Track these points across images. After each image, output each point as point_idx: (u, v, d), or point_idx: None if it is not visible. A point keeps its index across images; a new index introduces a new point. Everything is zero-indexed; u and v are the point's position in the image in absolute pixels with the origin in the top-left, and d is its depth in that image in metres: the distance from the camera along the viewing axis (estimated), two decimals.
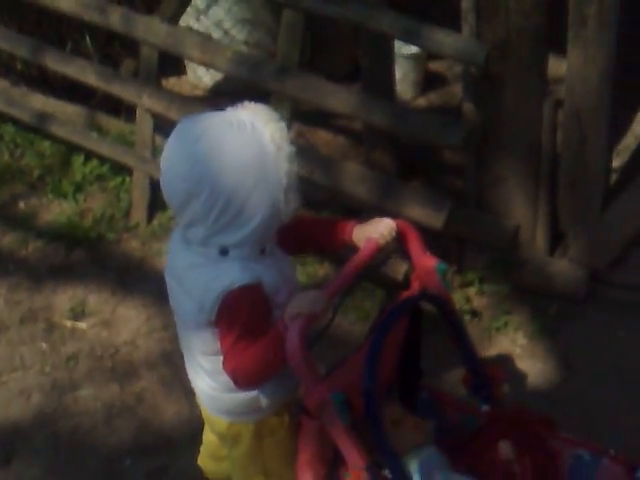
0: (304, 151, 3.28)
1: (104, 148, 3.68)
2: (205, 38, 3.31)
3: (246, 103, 1.80)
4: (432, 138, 2.86)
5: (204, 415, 2.12)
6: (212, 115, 1.78)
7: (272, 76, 3.09)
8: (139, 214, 3.55)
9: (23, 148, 4.06)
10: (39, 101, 4.03)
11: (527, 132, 2.92)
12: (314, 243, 2.10)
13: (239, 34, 3.96)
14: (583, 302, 3.05)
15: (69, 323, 3.13)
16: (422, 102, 4.29)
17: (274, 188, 1.73)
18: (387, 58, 3.37)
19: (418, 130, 2.86)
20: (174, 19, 3.38)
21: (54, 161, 3.95)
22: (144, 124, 3.48)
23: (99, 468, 2.63)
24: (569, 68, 2.74)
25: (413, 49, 3.88)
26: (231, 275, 1.74)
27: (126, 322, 3.08)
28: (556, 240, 3.11)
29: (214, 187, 1.69)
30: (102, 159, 3.79)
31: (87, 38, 3.91)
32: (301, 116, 3.68)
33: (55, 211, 3.72)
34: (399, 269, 3.01)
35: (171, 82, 4.37)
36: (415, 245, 2.05)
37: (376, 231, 1.97)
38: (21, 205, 3.77)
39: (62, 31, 3.99)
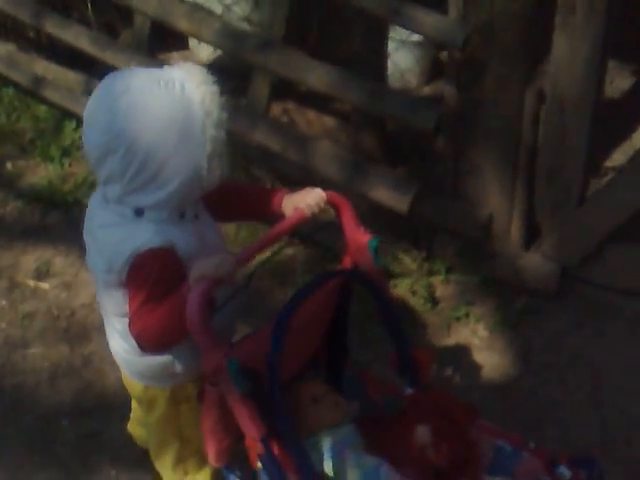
0: (282, 127, 3.25)
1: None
2: (194, 9, 3.26)
3: (182, 63, 1.75)
4: (405, 119, 2.79)
5: (123, 379, 2.09)
6: (142, 71, 1.73)
7: (255, 49, 3.05)
8: None
9: (20, 111, 4.07)
10: (41, 66, 4.03)
11: (507, 121, 2.80)
12: (244, 212, 2.06)
13: (240, 10, 3.91)
14: (552, 298, 2.94)
15: (32, 283, 3.12)
16: (427, 91, 4.20)
17: (197, 153, 1.68)
18: (378, 41, 3.29)
19: (392, 110, 2.79)
20: None
21: (47, 125, 3.94)
22: None
23: (35, 426, 2.61)
24: (554, 56, 2.62)
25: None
26: (142, 237, 1.69)
27: (87, 285, 3.06)
28: (533, 234, 3.01)
29: (132, 144, 1.64)
30: None
31: (88, 6, 3.90)
32: (296, 94, 3.65)
33: (40, 174, 3.72)
34: None
35: (175, 56, 4.34)
36: (348, 219, 1.99)
37: (304, 201, 1.91)
38: (8, 166, 3.78)
39: None
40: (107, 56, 3.59)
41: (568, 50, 2.57)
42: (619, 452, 2.47)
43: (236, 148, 3.30)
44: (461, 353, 2.84)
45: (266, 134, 3.07)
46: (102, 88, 1.71)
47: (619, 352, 2.78)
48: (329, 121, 3.66)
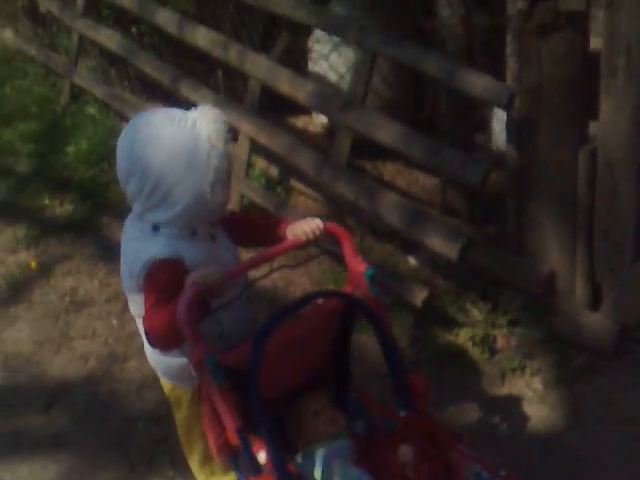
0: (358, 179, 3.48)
1: None
2: (293, 74, 3.65)
3: (202, 106, 2.08)
4: (456, 173, 2.97)
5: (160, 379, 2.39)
6: (162, 110, 2.08)
7: (338, 109, 3.38)
8: None
9: None
10: None
11: (562, 179, 2.92)
12: (257, 238, 2.30)
13: (329, 59, 4.21)
14: (611, 357, 2.93)
15: None
16: None
17: (201, 180, 1.99)
18: (458, 106, 3.50)
19: (445, 164, 2.99)
20: (280, 59, 3.79)
21: None
22: (242, 146, 3.90)
23: (116, 426, 2.99)
24: (601, 118, 2.75)
25: None
26: (155, 248, 2.01)
27: None
28: (598, 293, 3.03)
29: (146, 168, 1.98)
30: None
31: (219, 72, 4.44)
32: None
33: None
34: (419, 295, 3.10)
35: (302, 120, 4.77)
36: (348, 249, 2.20)
37: (301, 229, 2.16)
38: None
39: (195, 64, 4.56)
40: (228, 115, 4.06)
41: (613, 112, 2.68)
42: None
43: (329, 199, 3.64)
44: (512, 403, 2.90)
45: (345, 185, 3.35)
46: (130, 124, 2.07)
47: None
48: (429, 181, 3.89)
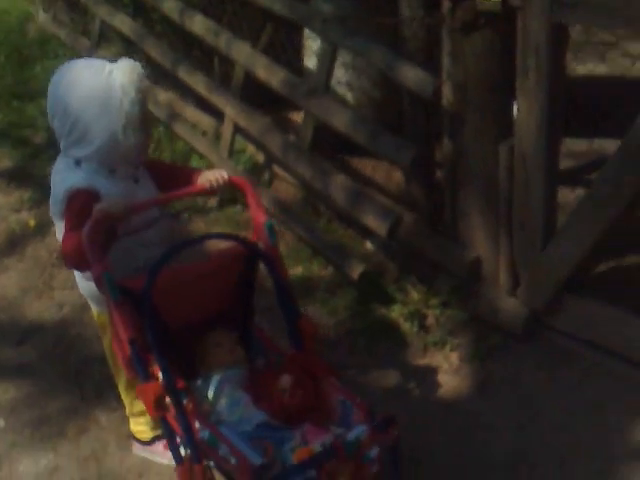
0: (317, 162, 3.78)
1: (202, 145, 4.50)
2: (269, 63, 3.98)
3: (124, 59, 2.37)
4: (389, 155, 3.26)
5: None
6: (85, 60, 2.43)
7: (303, 95, 3.70)
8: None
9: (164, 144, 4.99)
10: (179, 105, 4.98)
11: (486, 172, 3.17)
12: (175, 184, 2.53)
13: (343, 77, 4.54)
14: (520, 339, 3.18)
15: None
16: None
17: (114, 123, 2.29)
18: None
19: (381, 148, 3.31)
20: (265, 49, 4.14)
21: (179, 157, 4.82)
22: (227, 129, 4.24)
23: (75, 364, 3.34)
24: (517, 115, 2.98)
25: None
26: (75, 180, 2.32)
27: None
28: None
29: (66, 109, 2.30)
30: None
31: (215, 59, 4.81)
32: None
33: None
34: (356, 269, 3.39)
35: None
36: (251, 201, 2.50)
37: (207, 178, 2.47)
38: None
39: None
40: (212, 97, 4.44)
41: (526, 110, 2.92)
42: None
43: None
44: (429, 373, 3.17)
45: (306, 167, 3.66)
46: (57, 70, 2.37)
47: (564, 396, 2.96)
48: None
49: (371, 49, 3.43)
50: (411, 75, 3.15)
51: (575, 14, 2.76)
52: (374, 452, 2.18)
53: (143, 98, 2.34)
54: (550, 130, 2.90)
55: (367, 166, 4.36)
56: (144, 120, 2.36)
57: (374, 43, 3.47)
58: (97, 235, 2.23)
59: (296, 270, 3.70)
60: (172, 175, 2.59)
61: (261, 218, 2.47)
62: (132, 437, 2.88)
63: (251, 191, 2.52)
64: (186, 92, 5.06)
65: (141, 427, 2.83)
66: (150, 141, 2.56)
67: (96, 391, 3.18)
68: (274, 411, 2.33)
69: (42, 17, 6.63)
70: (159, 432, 2.76)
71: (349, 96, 4.51)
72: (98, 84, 2.30)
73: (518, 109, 2.96)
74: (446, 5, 3.06)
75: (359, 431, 2.17)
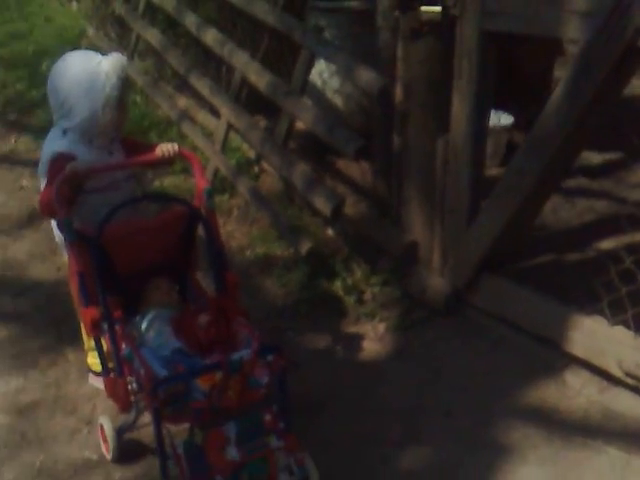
0: (286, 155, 4.24)
1: (201, 142, 5.02)
2: (260, 69, 4.48)
3: (114, 53, 2.93)
4: (339, 146, 3.69)
5: None
6: (82, 51, 2.95)
7: (282, 96, 4.17)
8: None
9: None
10: (194, 110, 5.54)
11: (426, 163, 3.56)
12: (138, 155, 3.03)
13: (334, 84, 5.02)
14: (442, 314, 3.53)
15: None
16: (494, 172, 4.88)
17: (95, 102, 2.81)
18: None
19: (334, 139, 3.72)
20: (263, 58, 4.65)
21: None
22: (221, 127, 4.75)
23: (60, 315, 3.80)
24: (452, 112, 3.37)
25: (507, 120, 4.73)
26: (59, 145, 2.86)
27: None
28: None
29: (59, 89, 2.84)
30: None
31: (223, 67, 5.35)
32: None
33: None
34: (304, 245, 3.81)
35: None
36: (196, 170, 2.95)
37: (160, 148, 2.94)
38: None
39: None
40: (214, 100, 4.93)
41: (458, 107, 3.30)
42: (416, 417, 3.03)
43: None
44: (355, 339, 3.55)
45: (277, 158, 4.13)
46: (59, 59, 2.90)
47: (469, 363, 3.29)
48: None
49: (337, 55, 3.89)
50: (364, 76, 3.60)
51: (499, 22, 3.14)
52: (264, 379, 2.58)
53: (122, 85, 2.83)
54: (478, 125, 3.28)
55: (349, 167, 4.81)
56: (120, 103, 2.85)
57: (340, 51, 3.93)
58: (65, 188, 2.72)
59: (260, 249, 4.15)
60: (138, 148, 3.06)
61: (202, 184, 2.90)
62: (88, 369, 3.35)
63: (197, 162, 2.96)
64: (202, 100, 5.64)
65: (95, 360, 3.28)
66: (125, 120, 3.04)
67: (71, 335, 3.64)
68: (191, 343, 2.76)
69: (92, 32, 7.36)
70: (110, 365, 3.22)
71: (340, 103, 4.99)
72: (87, 70, 2.81)
73: (452, 107, 3.36)
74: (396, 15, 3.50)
75: (244, 353, 2.57)
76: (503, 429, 2.92)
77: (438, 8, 3.29)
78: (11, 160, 5.61)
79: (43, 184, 2.91)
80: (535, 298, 3.27)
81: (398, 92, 3.61)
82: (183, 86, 5.87)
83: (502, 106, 4.77)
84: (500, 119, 4.88)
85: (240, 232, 4.43)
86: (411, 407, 3.08)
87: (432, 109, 3.52)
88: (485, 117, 3.35)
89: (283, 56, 5.03)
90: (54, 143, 2.89)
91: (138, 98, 6.04)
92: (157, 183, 4.92)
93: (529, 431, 2.89)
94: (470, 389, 3.15)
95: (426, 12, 3.36)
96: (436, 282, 3.59)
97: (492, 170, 4.77)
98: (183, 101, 5.72)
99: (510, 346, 3.33)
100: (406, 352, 3.41)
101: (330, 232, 4.21)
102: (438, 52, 3.43)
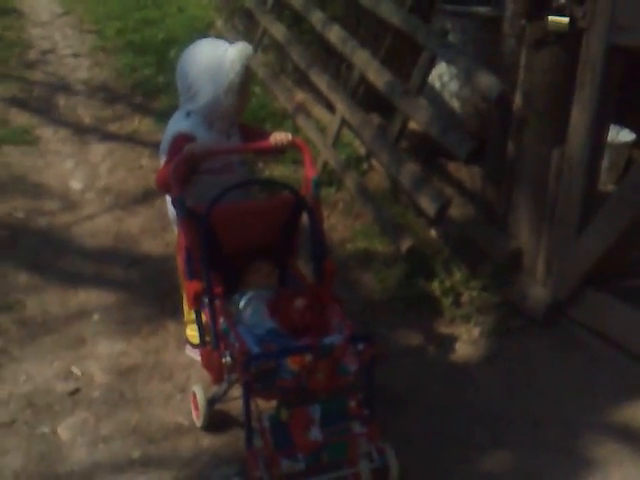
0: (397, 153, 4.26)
1: (314, 135, 5.12)
2: (380, 67, 4.52)
3: (241, 42, 3.05)
4: (451, 148, 3.68)
5: None
6: (211, 39, 3.09)
7: (398, 95, 4.20)
8: None
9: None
10: (310, 104, 5.65)
11: (538, 171, 3.52)
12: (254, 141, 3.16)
13: (453, 87, 5.01)
14: (539, 325, 3.48)
15: None
16: (609, 188, 4.76)
17: (219, 87, 2.95)
18: None
19: (448, 142, 3.73)
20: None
21: None
22: (335, 121, 4.83)
23: (166, 288, 3.96)
24: (571, 123, 3.32)
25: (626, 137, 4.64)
26: (182, 126, 3.01)
27: None
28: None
29: (187, 74, 2.98)
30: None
31: (344, 65, 5.43)
32: None
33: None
34: (405, 243, 3.83)
35: None
36: (306, 160, 3.02)
37: (274, 137, 3.03)
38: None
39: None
40: (331, 95, 5.03)
41: (578, 120, 3.26)
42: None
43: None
44: (448, 340, 3.55)
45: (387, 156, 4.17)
46: (190, 46, 3.06)
47: (561, 376, 3.22)
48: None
49: (458, 58, 3.90)
50: (484, 80, 3.60)
51: (630, 37, 3.07)
52: (352, 367, 2.62)
53: (245, 72, 2.95)
54: (596, 138, 3.23)
55: (458, 170, 4.80)
56: (243, 89, 2.98)
57: (462, 54, 3.93)
58: (182, 168, 2.86)
59: (361, 244, 4.20)
60: (253, 135, 3.17)
61: (310, 174, 2.96)
62: (186, 340, 3.49)
63: (308, 151, 3.02)
64: (319, 95, 5.74)
65: (193, 332, 3.42)
66: (245, 106, 3.16)
67: (173, 308, 3.80)
68: (285, 324, 2.84)
69: (220, 24, 7.60)
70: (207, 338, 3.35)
71: (457, 106, 4.97)
72: (214, 57, 2.94)
73: (571, 119, 3.30)
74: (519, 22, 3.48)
75: (335, 338, 2.63)
76: (590, 443, 2.86)
77: (566, 19, 3.26)
78: (133, 140, 5.87)
79: (163, 161, 3.07)
80: (636, 315, 3.18)
81: (517, 99, 3.58)
82: (302, 81, 5.99)
83: (624, 122, 4.65)
84: (619, 134, 4.75)
85: (343, 225, 4.50)
86: (498, 413, 3.06)
87: (550, 118, 3.48)
88: (604, 130, 3.28)
89: (403, 56, 5.06)
90: (178, 124, 3.03)
91: (257, 89, 6.20)
92: (267, 171, 5.05)
93: (616, 447, 2.83)
94: (561, 402, 3.09)
95: (553, 22, 3.32)
96: (537, 291, 3.53)
97: (607, 186, 4.69)
98: (300, 95, 5.84)
99: (606, 363, 3.25)
100: (499, 358, 3.39)
101: (433, 233, 4.21)
102: (562, 62, 3.39)
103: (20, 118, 6.20)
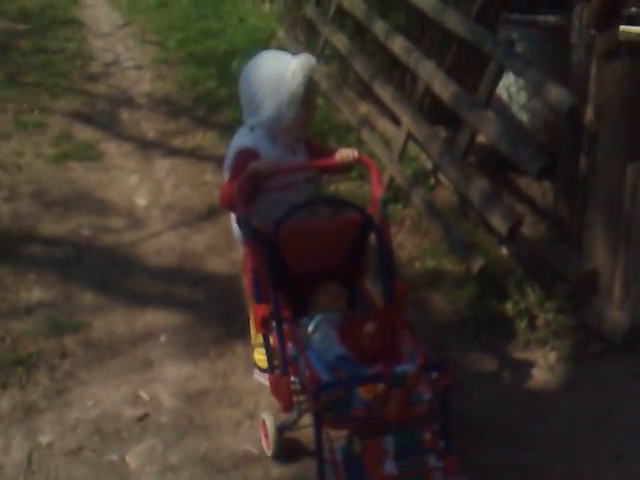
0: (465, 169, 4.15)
1: (379, 149, 5.03)
2: (446, 78, 4.42)
3: (304, 53, 3.00)
4: (522, 163, 3.55)
5: None
6: (274, 51, 3.05)
7: (465, 108, 4.10)
8: None
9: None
10: (374, 117, 5.56)
11: (612, 188, 3.37)
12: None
13: (521, 99, 4.87)
14: (619, 349, 3.32)
15: None
16: None
17: (282, 100, 2.90)
18: None
19: (516, 155, 3.61)
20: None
21: None
22: (400, 135, 4.74)
23: (232, 306, 3.91)
24: None
25: None
26: (246, 140, 2.97)
27: None
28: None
29: (250, 87, 2.95)
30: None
31: (407, 75, 5.33)
32: None
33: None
34: (476, 262, 3.71)
35: None
36: (373, 178, 2.95)
37: (340, 154, 2.97)
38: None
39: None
40: (395, 107, 4.94)
41: None
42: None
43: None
44: (523, 365, 3.43)
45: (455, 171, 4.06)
46: (253, 58, 3.00)
47: None
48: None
49: (527, 70, 3.78)
50: (553, 92, 3.48)
51: None
52: (426, 396, 2.54)
53: (309, 83, 2.90)
54: None
55: (529, 186, 4.66)
56: (306, 101, 2.92)
57: (530, 65, 3.81)
58: (245, 186, 2.82)
59: (430, 262, 4.10)
60: (318, 152, 3.12)
61: (378, 192, 2.90)
62: (254, 364, 3.45)
63: (375, 169, 2.96)
64: (383, 108, 5.66)
65: (261, 356, 3.37)
66: (311, 120, 3.10)
67: (240, 329, 3.76)
68: (355, 350, 2.76)
69: (282, 34, 7.58)
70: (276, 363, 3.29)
71: (525, 119, 4.83)
72: (277, 69, 2.90)
73: None
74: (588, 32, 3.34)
75: (408, 366, 2.54)
76: None
77: (638, 28, 3.12)
78: (197, 155, 5.85)
79: (226, 177, 3.02)
80: None
81: (589, 112, 3.45)
82: (365, 92, 5.92)
83: None
84: None
85: (411, 243, 4.40)
86: (578, 444, 2.93)
87: (624, 132, 3.34)
88: None
89: (469, 67, 4.95)
90: (242, 138, 3.00)
91: (320, 101, 6.14)
92: (332, 188, 4.98)
93: None
94: None
95: (625, 32, 3.18)
96: (615, 315, 3.39)
97: None
98: (364, 107, 5.77)
99: None
100: (577, 385, 3.25)
101: (504, 251, 4.09)
102: (635, 73, 3.24)
103: (83, 133, 6.25)
